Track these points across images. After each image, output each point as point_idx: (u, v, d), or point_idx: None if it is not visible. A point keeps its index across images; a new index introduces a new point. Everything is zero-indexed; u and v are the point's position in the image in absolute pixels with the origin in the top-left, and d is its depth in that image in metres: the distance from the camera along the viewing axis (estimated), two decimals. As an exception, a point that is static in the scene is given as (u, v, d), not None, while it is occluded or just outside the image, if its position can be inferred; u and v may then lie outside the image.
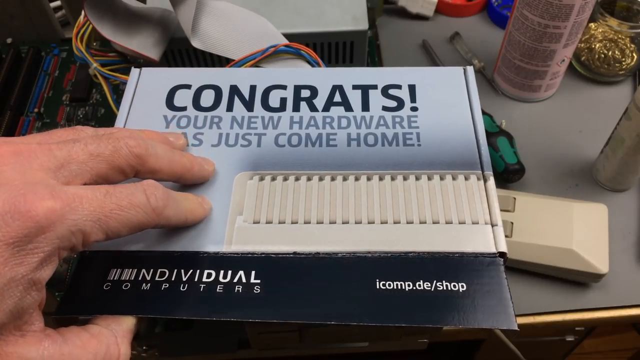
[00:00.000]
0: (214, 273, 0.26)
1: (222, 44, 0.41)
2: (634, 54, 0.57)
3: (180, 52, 0.47)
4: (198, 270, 0.26)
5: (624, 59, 0.57)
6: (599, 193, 0.50)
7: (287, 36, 0.42)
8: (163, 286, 0.25)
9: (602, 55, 0.58)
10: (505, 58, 0.55)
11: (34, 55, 0.56)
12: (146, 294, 0.25)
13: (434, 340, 0.40)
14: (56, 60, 0.58)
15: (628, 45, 0.57)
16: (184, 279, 0.26)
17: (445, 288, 0.25)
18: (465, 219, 0.28)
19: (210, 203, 0.28)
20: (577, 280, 0.45)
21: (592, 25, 0.58)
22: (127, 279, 0.26)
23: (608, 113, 0.55)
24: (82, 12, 0.41)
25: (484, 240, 0.27)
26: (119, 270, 0.26)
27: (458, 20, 0.66)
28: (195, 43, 0.41)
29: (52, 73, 0.57)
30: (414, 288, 0.25)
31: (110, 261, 0.26)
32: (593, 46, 0.58)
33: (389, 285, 0.25)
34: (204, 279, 0.26)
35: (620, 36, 0.57)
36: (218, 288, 0.25)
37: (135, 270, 0.26)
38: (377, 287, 0.25)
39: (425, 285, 0.25)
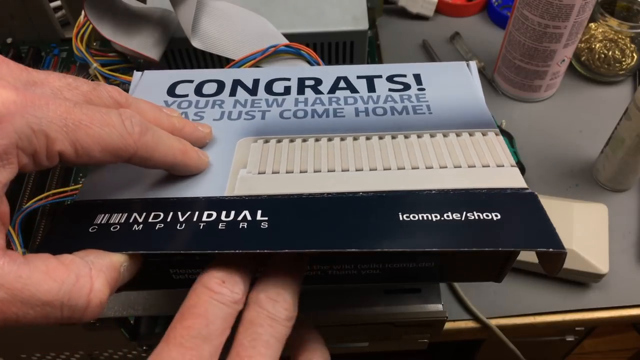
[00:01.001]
0: (215, 213, 0.23)
1: (222, 44, 0.41)
2: (634, 54, 0.57)
3: (180, 52, 0.47)
4: (197, 212, 0.23)
5: (624, 59, 0.57)
6: (599, 193, 0.50)
7: (287, 36, 0.42)
8: (157, 226, 0.22)
9: (602, 55, 0.58)
10: (506, 58, 0.55)
11: (34, 55, 0.56)
12: (138, 233, 0.22)
13: (434, 340, 0.40)
14: (56, 60, 0.58)
15: (628, 45, 0.57)
16: (181, 219, 0.23)
17: (477, 218, 0.22)
18: (488, 163, 0.26)
19: (209, 156, 0.26)
20: (577, 280, 0.45)
21: (592, 25, 0.58)
22: (117, 222, 0.23)
23: (608, 113, 0.55)
24: (82, 12, 0.41)
25: (512, 177, 0.25)
26: (107, 215, 0.23)
27: (458, 20, 0.66)
28: (195, 43, 0.41)
29: (52, 73, 0.57)
30: (442, 219, 0.22)
31: (98, 207, 0.24)
32: (593, 46, 0.58)
33: (414, 217, 0.22)
34: (204, 219, 0.23)
35: (620, 36, 0.57)
36: (220, 225, 0.22)
37: (126, 214, 0.23)
38: (400, 219, 0.22)
39: (454, 216, 0.22)
